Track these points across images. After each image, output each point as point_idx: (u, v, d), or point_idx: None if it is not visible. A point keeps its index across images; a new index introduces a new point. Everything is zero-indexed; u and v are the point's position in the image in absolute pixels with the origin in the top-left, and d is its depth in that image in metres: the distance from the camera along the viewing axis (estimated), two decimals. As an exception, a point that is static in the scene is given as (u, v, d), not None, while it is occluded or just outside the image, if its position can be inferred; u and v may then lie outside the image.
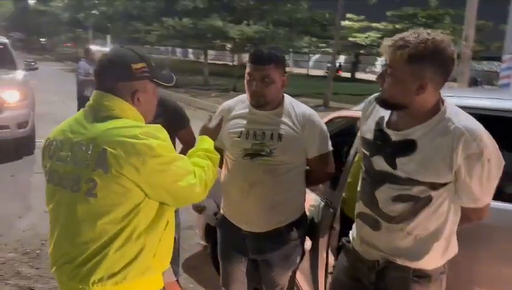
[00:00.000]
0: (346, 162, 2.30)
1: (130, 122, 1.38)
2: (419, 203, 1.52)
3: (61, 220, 1.40)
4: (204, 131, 1.74)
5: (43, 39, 46.44)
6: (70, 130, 1.42)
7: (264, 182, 1.97)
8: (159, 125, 1.41)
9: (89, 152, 1.34)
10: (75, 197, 1.35)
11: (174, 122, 2.34)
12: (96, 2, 20.61)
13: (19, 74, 6.90)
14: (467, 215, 1.59)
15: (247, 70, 1.97)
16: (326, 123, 2.56)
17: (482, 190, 1.49)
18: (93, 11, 20.95)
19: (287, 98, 2.07)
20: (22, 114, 6.22)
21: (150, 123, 2.25)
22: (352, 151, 2.27)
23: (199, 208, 3.32)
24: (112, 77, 1.42)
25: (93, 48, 8.61)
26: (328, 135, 2.07)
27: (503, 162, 1.47)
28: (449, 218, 1.56)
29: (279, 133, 1.97)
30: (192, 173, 1.44)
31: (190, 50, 54.91)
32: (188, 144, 2.29)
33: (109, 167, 1.30)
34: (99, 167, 1.31)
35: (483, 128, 1.45)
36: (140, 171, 1.30)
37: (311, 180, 2.14)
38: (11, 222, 4.11)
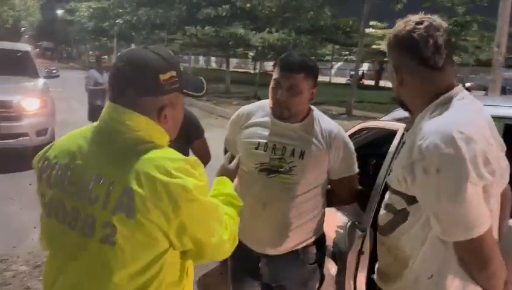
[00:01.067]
0: (377, 178, 2.07)
1: (161, 152, 1.09)
2: (398, 217, 1.35)
3: (65, 269, 1.10)
4: (224, 172, 1.51)
5: (70, 48, 47.62)
6: (79, 153, 1.12)
7: (280, 201, 1.77)
8: (194, 158, 1.14)
9: (110, 189, 1.04)
10: (86, 244, 1.06)
11: (188, 132, 2.19)
12: (120, 11, 20.86)
13: (40, 82, 6.91)
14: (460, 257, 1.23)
15: (274, 76, 1.77)
16: (352, 134, 2.34)
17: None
18: (117, 20, 21.21)
19: (314, 112, 1.86)
20: (42, 122, 6.23)
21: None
22: (384, 167, 2.04)
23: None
24: (134, 90, 1.11)
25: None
26: (355, 155, 1.86)
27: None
28: (426, 246, 1.27)
29: (302, 150, 1.76)
30: (225, 225, 1.18)
31: (213, 58, 55.51)
32: (201, 157, 2.13)
33: (135, 210, 1.01)
34: (121, 210, 1.02)
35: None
36: (171, 219, 1.03)
37: (332, 202, 1.93)
38: (25, 232, 4.04)
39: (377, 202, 1.96)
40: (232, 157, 1.64)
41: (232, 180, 1.49)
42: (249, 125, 1.86)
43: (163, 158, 1.06)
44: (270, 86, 1.78)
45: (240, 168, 1.89)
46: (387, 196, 1.40)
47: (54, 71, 7.57)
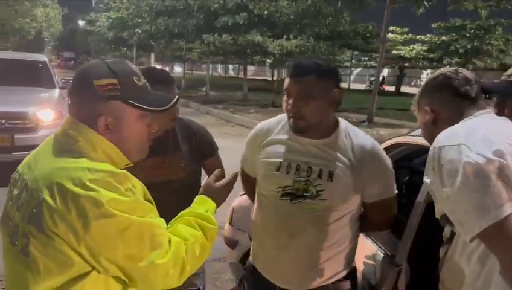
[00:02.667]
0: (415, 204, 1.81)
1: (83, 163, 1.02)
2: (446, 247, 1.34)
3: (6, 275, 1.11)
4: (207, 190, 1.34)
5: (91, 58, 48.61)
6: (29, 164, 1.12)
7: (307, 233, 1.53)
8: (124, 172, 1.05)
9: (30, 198, 1.02)
10: (12, 252, 1.06)
11: (200, 150, 1.98)
12: (139, 20, 20.99)
13: (55, 93, 6.84)
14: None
15: (284, 86, 1.55)
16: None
17: None
18: (136, 30, 21.35)
19: (343, 124, 1.62)
20: (57, 133, 6.13)
21: (173, 152, 1.89)
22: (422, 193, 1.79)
23: (231, 243, 2.94)
24: (75, 97, 1.11)
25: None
26: (394, 174, 1.61)
27: None
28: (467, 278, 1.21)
29: (331, 170, 1.52)
30: (164, 247, 1.04)
31: (231, 66, 55.67)
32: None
33: (43, 223, 0.97)
34: (32, 222, 0.99)
35: None
36: (80, 235, 0.95)
37: (365, 228, 1.69)
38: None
39: (415, 230, 1.70)
40: (221, 175, 1.40)
41: (217, 202, 1.30)
42: (268, 143, 1.63)
43: (82, 168, 1.00)
44: (283, 99, 1.56)
45: (260, 192, 1.68)
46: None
47: (70, 81, 7.48)
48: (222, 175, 1.41)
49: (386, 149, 2.31)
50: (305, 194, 1.53)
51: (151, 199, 1.13)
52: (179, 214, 1.23)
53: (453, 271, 1.20)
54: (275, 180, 1.57)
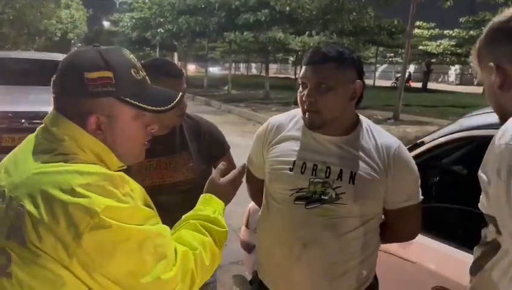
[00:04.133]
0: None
1: (72, 166, 0.87)
2: (487, 250, 1.05)
3: None
4: (212, 187, 1.18)
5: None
6: (5, 167, 0.96)
7: (324, 242, 1.35)
8: (120, 174, 0.91)
9: (7, 208, 0.85)
10: None
11: (209, 149, 1.83)
12: (161, 20, 21.11)
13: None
14: None
15: (300, 74, 1.36)
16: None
17: None
18: (159, 30, 21.47)
19: (365, 122, 1.44)
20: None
21: (179, 152, 1.74)
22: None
23: (248, 247, 2.78)
24: (60, 89, 0.95)
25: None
26: (419, 178, 1.43)
27: None
28: None
29: (352, 171, 1.33)
30: (170, 258, 0.90)
31: (253, 65, 55.68)
32: None
33: (25, 237, 0.82)
34: (12, 235, 0.83)
35: None
36: (71, 250, 0.81)
37: (386, 239, 1.51)
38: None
39: None
40: (226, 170, 1.24)
41: (224, 200, 1.14)
42: (280, 140, 1.45)
43: (71, 171, 0.86)
44: (298, 90, 1.38)
45: (268, 195, 1.49)
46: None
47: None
48: (228, 169, 1.24)
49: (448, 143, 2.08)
50: (322, 197, 1.34)
51: (152, 204, 0.98)
52: (183, 217, 1.09)
53: (488, 285, 0.99)
54: (288, 181, 1.39)
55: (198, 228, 1.03)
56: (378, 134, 1.42)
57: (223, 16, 17.48)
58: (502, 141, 0.87)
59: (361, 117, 1.45)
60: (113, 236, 0.83)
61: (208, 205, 1.12)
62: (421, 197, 1.44)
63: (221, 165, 1.25)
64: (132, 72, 0.97)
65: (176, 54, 30.44)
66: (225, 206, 1.17)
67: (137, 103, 0.97)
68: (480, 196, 0.97)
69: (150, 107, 0.98)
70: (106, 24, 41.55)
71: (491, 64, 1.01)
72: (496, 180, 0.89)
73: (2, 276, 0.85)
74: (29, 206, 0.83)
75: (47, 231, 0.81)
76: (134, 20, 24.61)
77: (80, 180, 0.84)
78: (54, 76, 0.98)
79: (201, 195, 1.16)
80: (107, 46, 1.01)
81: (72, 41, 33.58)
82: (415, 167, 1.43)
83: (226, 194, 1.17)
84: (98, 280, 0.84)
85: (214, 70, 46.93)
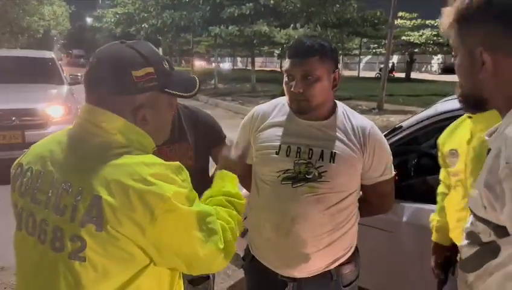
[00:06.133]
0: None
1: (137, 158, 0.97)
2: (484, 251, 1.03)
3: (32, 287, 1.01)
4: (225, 164, 1.30)
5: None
6: (50, 158, 1.02)
7: (309, 216, 1.51)
8: (177, 163, 1.01)
9: (77, 198, 0.94)
10: (56, 258, 0.95)
11: (206, 138, 1.96)
12: (145, 15, 20.97)
13: (64, 89, 6.88)
14: None
15: (285, 67, 1.52)
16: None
17: None
18: (143, 25, 21.34)
19: (340, 106, 1.61)
20: (66, 129, 6.18)
21: (178, 141, 1.87)
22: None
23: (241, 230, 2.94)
24: (105, 89, 1.01)
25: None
26: (391, 155, 1.62)
27: None
28: None
29: (332, 151, 1.50)
30: (219, 234, 1.03)
31: (239, 59, 55.55)
32: None
33: (104, 222, 0.91)
34: (89, 222, 0.92)
35: None
36: (147, 231, 0.92)
37: (364, 212, 1.68)
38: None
39: None
40: (218, 137, 1.39)
41: (236, 173, 1.28)
42: (265, 127, 1.61)
43: (138, 163, 0.95)
44: (284, 81, 1.54)
45: (258, 178, 1.65)
46: (470, 219, 1.05)
47: (79, 77, 7.52)
48: (222, 138, 1.39)
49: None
50: (307, 176, 1.50)
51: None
52: (207, 194, 1.20)
53: (491, 287, 0.99)
54: (275, 164, 1.54)
55: (225, 204, 1.15)
56: (353, 117, 1.58)
57: (208, 10, 17.45)
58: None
59: (338, 102, 1.61)
60: (180, 217, 0.95)
61: (227, 181, 1.24)
62: (394, 172, 1.63)
63: (230, 142, 1.39)
64: (164, 64, 1.07)
65: (160, 49, 30.28)
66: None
67: (175, 92, 1.07)
68: (474, 195, 0.97)
69: (184, 94, 1.09)
70: (89, 20, 41.03)
71: (473, 47, 0.91)
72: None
73: (74, 259, 0.93)
74: (104, 195, 0.91)
75: (125, 216, 0.90)
76: (118, 16, 24.39)
77: (148, 170, 0.94)
78: (94, 75, 1.02)
79: (217, 172, 1.28)
80: (132, 41, 1.08)
81: (55, 38, 33.10)
82: (387, 145, 1.61)
83: (237, 168, 1.31)
84: (164, 255, 0.96)
85: (201, 64, 46.67)
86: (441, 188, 1.97)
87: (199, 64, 44.69)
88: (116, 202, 0.91)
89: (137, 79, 1.00)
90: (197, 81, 1.17)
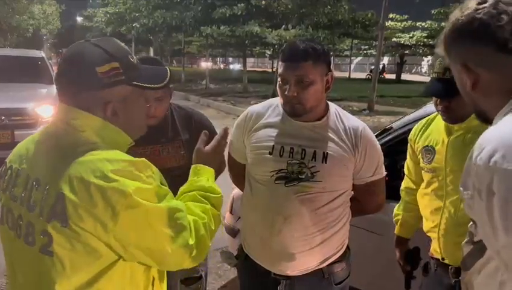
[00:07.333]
0: None
1: (101, 154, 0.99)
2: (475, 249, 1.07)
3: (19, 279, 1.07)
4: (199, 157, 1.29)
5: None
6: (26, 156, 1.07)
7: (302, 215, 1.53)
8: (142, 159, 1.02)
9: (45, 194, 0.98)
10: (29, 252, 1.01)
11: (199, 137, 1.97)
12: (136, 15, 20.85)
13: (54, 88, 6.80)
14: None
15: (279, 71, 1.54)
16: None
17: None
18: (134, 24, 21.22)
19: (333, 107, 1.63)
20: (56, 128, 6.13)
21: (171, 140, 1.90)
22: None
23: (232, 231, 2.95)
24: (73, 86, 1.05)
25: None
26: (382, 156, 1.65)
27: None
28: None
29: (325, 152, 1.52)
30: (189, 229, 1.03)
31: (230, 59, 55.53)
32: None
33: (67, 218, 0.94)
34: (55, 218, 0.96)
35: None
36: (109, 227, 0.94)
37: (355, 212, 1.70)
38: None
39: None
40: (209, 138, 1.34)
41: (212, 166, 1.26)
42: (259, 127, 1.62)
43: (101, 160, 0.97)
44: (277, 84, 1.55)
45: (251, 177, 1.66)
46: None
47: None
48: (211, 137, 1.35)
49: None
50: (299, 176, 1.52)
51: (165, 182, 1.11)
52: (180, 190, 1.20)
53: (478, 287, 1.03)
54: (268, 164, 1.56)
55: (198, 198, 1.15)
56: (345, 118, 1.61)
57: (199, 10, 17.42)
58: (480, 162, 0.84)
59: (330, 103, 1.64)
60: (143, 213, 0.95)
61: (200, 175, 1.22)
62: (385, 172, 1.65)
63: (204, 135, 1.35)
64: (130, 58, 1.09)
65: (151, 49, 30.12)
66: (217, 172, 1.30)
67: (142, 84, 1.10)
68: (464, 195, 0.98)
69: (153, 85, 1.14)
70: (79, 19, 40.72)
71: (459, 66, 0.99)
72: (478, 201, 0.87)
73: (44, 254, 0.97)
74: (67, 192, 0.94)
75: (86, 212, 0.93)
76: (108, 15, 24.23)
77: (110, 166, 0.95)
78: (62, 74, 1.06)
79: (192, 166, 1.26)
80: (96, 39, 1.10)
81: (45, 37, 32.78)
82: (379, 146, 1.64)
83: (214, 160, 1.28)
84: (130, 251, 0.97)
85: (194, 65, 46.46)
86: (405, 184, 2.02)
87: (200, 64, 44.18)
88: (77, 199, 0.93)
89: (102, 74, 1.03)
90: (168, 72, 1.20)
